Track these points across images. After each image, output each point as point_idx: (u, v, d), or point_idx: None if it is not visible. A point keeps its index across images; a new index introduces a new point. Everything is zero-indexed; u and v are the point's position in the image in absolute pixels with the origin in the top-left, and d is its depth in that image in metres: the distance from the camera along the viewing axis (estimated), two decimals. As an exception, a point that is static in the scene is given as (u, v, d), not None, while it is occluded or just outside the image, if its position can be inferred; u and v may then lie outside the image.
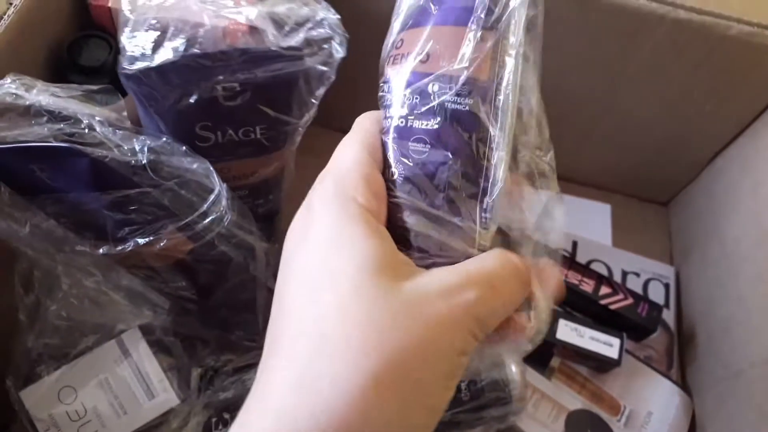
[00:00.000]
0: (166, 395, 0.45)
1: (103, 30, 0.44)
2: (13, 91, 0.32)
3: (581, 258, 0.60)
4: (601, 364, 0.53)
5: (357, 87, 0.42)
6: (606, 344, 0.52)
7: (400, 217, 0.25)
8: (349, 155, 0.25)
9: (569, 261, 0.56)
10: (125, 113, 0.36)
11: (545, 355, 0.54)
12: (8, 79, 0.32)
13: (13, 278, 0.44)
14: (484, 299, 0.22)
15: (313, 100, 0.39)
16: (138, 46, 0.32)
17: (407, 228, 0.25)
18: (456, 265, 0.23)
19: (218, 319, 0.46)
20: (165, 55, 0.32)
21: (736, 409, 0.49)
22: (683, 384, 0.56)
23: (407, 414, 0.20)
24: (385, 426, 0.20)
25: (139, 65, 0.32)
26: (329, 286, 0.22)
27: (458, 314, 0.21)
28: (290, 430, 0.19)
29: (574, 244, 0.61)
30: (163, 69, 0.32)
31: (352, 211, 0.23)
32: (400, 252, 0.24)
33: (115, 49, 0.42)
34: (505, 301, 0.24)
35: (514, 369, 0.47)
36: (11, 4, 0.39)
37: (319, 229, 0.23)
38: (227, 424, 0.45)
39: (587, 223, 0.62)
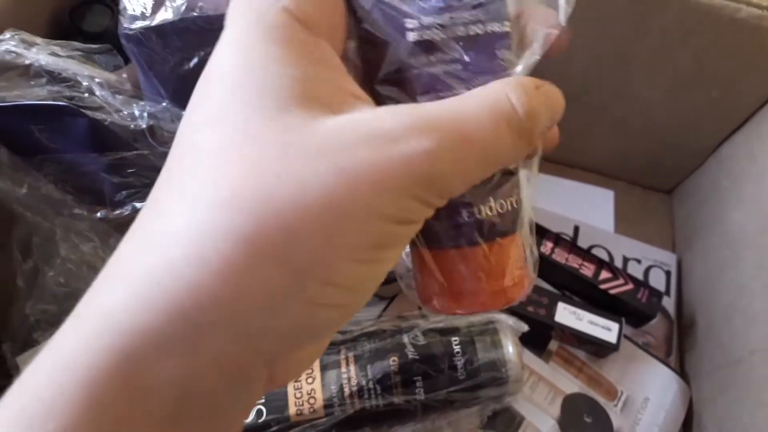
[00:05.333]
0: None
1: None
2: (13, 48, 0.32)
3: (582, 243, 0.59)
4: (599, 349, 0.52)
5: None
6: (604, 328, 0.52)
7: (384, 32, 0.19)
8: None
9: (570, 245, 0.56)
10: (125, 75, 0.36)
11: (543, 338, 0.54)
12: (8, 35, 0.32)
13: (12, 244, 0.44)
14: (442, 153, 0.16)
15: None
16: (139, 5, 0.32)
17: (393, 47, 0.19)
18: (415, 104, 0.17)
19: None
20: (165, 15, 0.32)
21: (734, 397, 0.49)
22: (681, 371, 0.56)
23: (298, 288, 0.16)
24: (263, 298, 0.15)
25: (139, 25, 0.32)
26: (214, 124, 0.16)
27: (391, 170, 0.15)
28: (142, 296, 0.15)
29: (576, 229, 0.60)
30: (163, 30, 0.32)
31: (267, 24, 0.17)
32: (350, 85, 0.18)
33: (117, 15, 0.42)
34: (483, 158, 0.17)
35: (511, 350, 0.47)
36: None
37: (221, 52, 0.17)
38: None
39: (589, 208, 0.62)
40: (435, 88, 0.19)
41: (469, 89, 0.19)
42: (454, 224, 0.21)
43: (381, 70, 0.19)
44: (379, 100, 0.19)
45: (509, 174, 0.21)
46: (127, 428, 0.15)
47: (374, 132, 0.16)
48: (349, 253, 0.16)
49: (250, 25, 0.17)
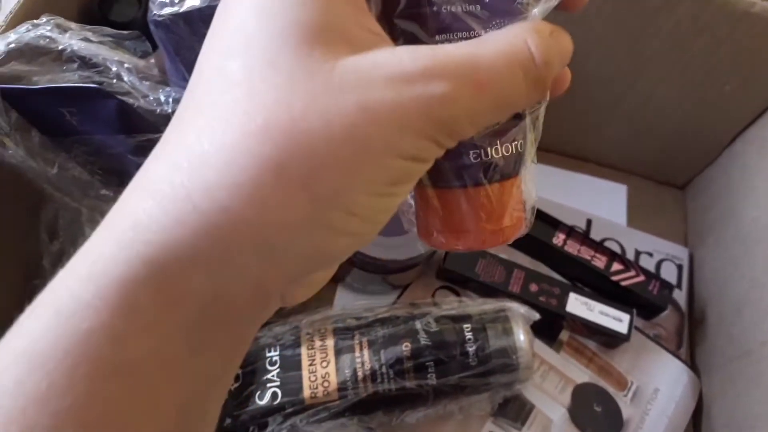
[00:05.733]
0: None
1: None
2: (48, 33, 0.34)
3: (595, 236, 0.60)
4: (610, 339, 0.53)
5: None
6: (615, 319, 0.52)
7: None
8: None
9: (582, 237, 0.56)
10: (153, 61, 0.37)
11: (554, 328, 0.54)
12: (44, 19, 0.34)
13: (39, 226, 0.45)
14: (457, 98, 0.17)
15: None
16: (168, -7, 0.33)
17: None
18: (433, 45, 0.18)
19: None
20: (192, 2, 0.33)
21: (744, 389, 0.49)
22: (692, 364, 0.56)
23: (320, 215, 0.17)
24: (289, 223, 0.16)
25: (168, 11, 0.33)
26: (241, 53, 0.17)
27: (410, 111, 0.16)
28: (175, 214, 0.16)
29: (588, 222, 0.61)
30: (190, 16, 0.33)
31: None
32: (370, 22, 0.18)
33: (145, 5, 0.43)
34: (496, 104, 0.18)
35: (522, 337, 0.47)
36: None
37: None
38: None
39: (602, 202, 0.62)
40: (452, 27, 0.20)
41: (486, 30, 0.20)
42: (460, 164, 0.21)
43: (400, 3, 0.20)
44: (396, 34, 0.20)
45: (517, 118, 0.22)
46: (156, 333, 0.16)
47: (394, 74, 0.17)
48: (367, 186, 0.17)
49: None
